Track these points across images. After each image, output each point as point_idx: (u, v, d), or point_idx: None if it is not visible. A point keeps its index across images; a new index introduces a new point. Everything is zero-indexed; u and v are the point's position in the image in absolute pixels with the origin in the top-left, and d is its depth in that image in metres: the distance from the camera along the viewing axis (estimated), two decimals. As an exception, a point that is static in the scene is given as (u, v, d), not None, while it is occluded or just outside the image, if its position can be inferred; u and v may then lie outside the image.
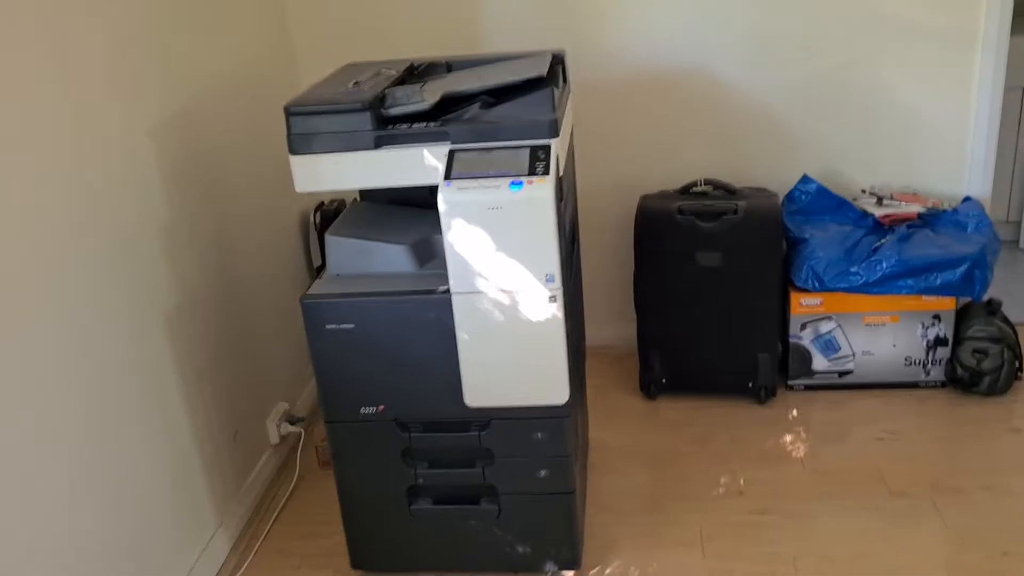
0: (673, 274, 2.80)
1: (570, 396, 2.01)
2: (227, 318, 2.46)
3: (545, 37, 2.81)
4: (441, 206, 1.84)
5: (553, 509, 2.13)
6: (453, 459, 2.11)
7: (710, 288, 2.77)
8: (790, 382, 2.92)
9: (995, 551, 2.18)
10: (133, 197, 2.04)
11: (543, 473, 2.09)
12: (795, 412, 2.83)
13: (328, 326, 1.98)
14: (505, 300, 1.91)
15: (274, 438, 2.70)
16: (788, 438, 2.70)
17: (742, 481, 2.52)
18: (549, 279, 1.88)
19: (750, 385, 2.85)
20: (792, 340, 2.85)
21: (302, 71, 3.02)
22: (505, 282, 1.89)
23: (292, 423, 2.75)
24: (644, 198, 2.84)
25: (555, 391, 2.00)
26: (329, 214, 3.01)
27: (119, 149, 1.99)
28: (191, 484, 2.24)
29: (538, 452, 2.06)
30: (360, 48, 2.60)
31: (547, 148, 1.88)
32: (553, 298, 1.90)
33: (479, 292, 1.91)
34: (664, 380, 2.92)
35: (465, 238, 1.86)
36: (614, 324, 3.18)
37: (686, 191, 2.84)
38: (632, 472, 2.62)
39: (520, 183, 1.83)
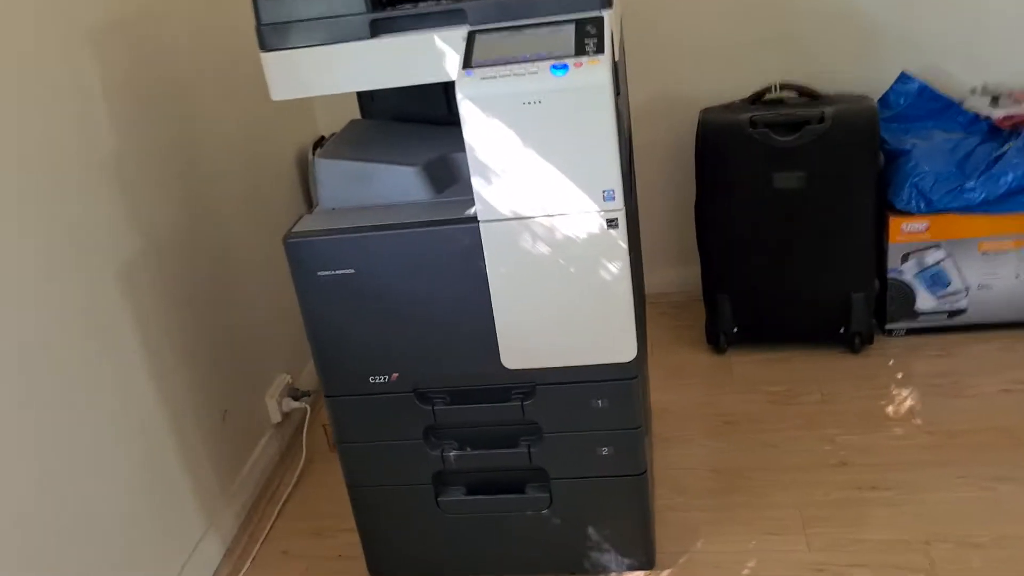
0: (744, 202, 2.31)
1: (638, 351, 1.55)
2: (207, 274, 2.02)
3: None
4: (460, 104, 1.38)
5: (619, 495, 1.68)
6: (490, 437, 1.66)
7: (790, 216, 2.29)
8: (888, 326, 2.44)
9: None
10: (68, 119, 1.59)
11: (605, 451, 1.63)
12: (897, 362, 2.35)
13: (321, 272, 1.53)
14: (549, 228, 1.44)
15: (275, 416, 2.27)
16: (892, 394, 2.22)
17: (842, 448, 2.05)
18: (608, 196, 1.42)
19: (841, 331, 2.37)
20: (891, 275, 2.36)
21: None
22: (549, 203, 1.43)
23: (296, 398, 2.32)
24: (706, 112, 2.35)
25: (619, 346, 1.54)
26: (330, 150, 2.55)
27: (44, 55, 1.54)
28: (168, 480, 1.81)
29: (599, 424, 1.61)
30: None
31: (598, 21, 1.41)
32: (614, 222, 1.43)
33: (515, 219, 1.44)
34: (736, 329, 2.45)
35: (493, 146, 1.40)
36: (672, 267, 2.71)
37: (757, 99, 2.35)
38: (704, 442, 2.16)
39: (565, 66, 1.35)
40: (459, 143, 1.42)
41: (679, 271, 2.73)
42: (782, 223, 2.30)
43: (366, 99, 1.87)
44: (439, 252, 1.50)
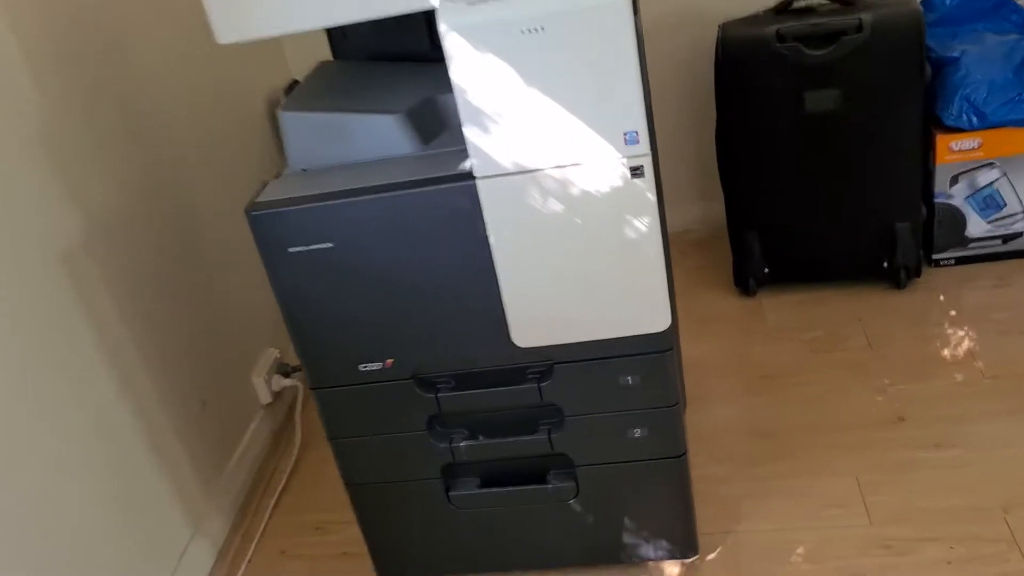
0: (772, 126, 2.06)
1: (671, 319, 1.32)
2: (170, 247, 1.78)
3: None
4: (444, 37, 1.12)
5: (655, 480, 1.47)
6: (504, 423, 1.44)
7: (825, 140, 2.03)
8: (935, 256, 2.20)
9: None
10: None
11: (638, 432, 1.42)
12: (949, 296, 2.12)
13: (292, 248, 1.30)
14: (561, 181, 1.20)
15: (264, 397, 2.05)
16: (947, 334, 2.00)
17: (896, 400, 1.84)
18: (630, 139, 1.17)
19: (884, 265, 2.14)
20: (938, 200, 2.12)
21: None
22: (559, 152, 1.18)
23: (286, 375, 2.10)
24: (726, 27, 2.07)
25: (649, 315, 1.31)
26: (304, 95, 2.28)
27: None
28: (142, 485, 1.60)
29: (629, 404, 1.39)
30: None
31: (608, -78, 1.14)
32: (638, 170, 1.19)
33: (518, 172, 1.20)
34: (766, 269, 2.22)
35: (487, 87, 1.14)
36: (691, 202, 2.47)
37: (784, 9, 2.06)
38: (741, 400, 1.94)
39: (571, -19, 1.09)
40: (447, 82, 1.17)
41: (699, 206, 2.48)
42: (816, 149, 2.05)
43: (337, 36, 1.61)
44: (431, 217, 1.26)
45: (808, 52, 1.96)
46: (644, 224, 1.22)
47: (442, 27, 1.11)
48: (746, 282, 2.25)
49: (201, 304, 1.86)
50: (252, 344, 2.05)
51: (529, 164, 1.19)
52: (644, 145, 1.17)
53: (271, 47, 2.35)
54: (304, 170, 1.39)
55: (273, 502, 1.90)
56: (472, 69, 1.13)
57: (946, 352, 1.94)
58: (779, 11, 2.06)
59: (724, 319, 2.22)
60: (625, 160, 1.18)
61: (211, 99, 2.01)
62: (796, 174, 2.09)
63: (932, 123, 2.05)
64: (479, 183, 1.21)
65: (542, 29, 1.10)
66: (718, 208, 2.28)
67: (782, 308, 2.20)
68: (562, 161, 1.19)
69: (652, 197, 1.20)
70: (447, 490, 1.51)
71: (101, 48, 1.63)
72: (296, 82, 2.35)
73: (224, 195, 1.98)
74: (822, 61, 1.95)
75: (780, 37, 1.97)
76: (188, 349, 1.79)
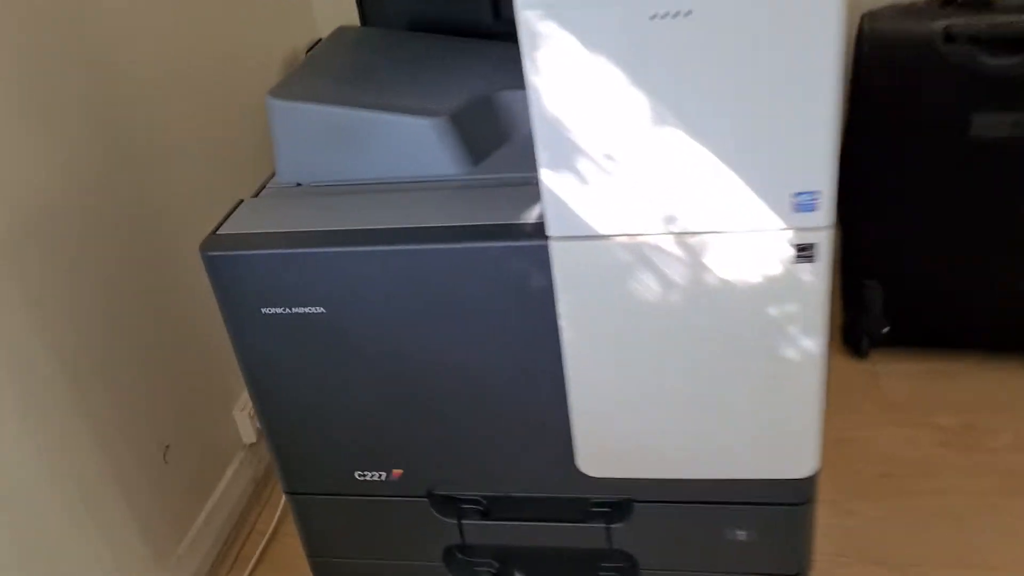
0: (922, 150, 1.59)
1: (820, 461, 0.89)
2: (127, 251, 1.37)
3: None
4: (522, 16, 0.68)
5: (755, 658, 1.05)
6: (551, 562, 1.03)
7: (990, 175, 1.56)
8: (1107, 332, 1.74)
9: None
10: None
11: (742, 600, 0.99)
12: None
13: (266, 309, 0.88)
14: (680, 258, 0.76)
15: (248, 436, 1.65)
16: (1125, 439, 1.55)
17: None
18: (804, 204, 0.73)
19: (1044, 340, 1.68)
20: (1125, 263, 1.65)
21: None
22: (683, 212, 0.74)
23: (278, 408, 1.70)
24: (873, 17, 1.60)
25: (788, 454, 0.87)
26: (330, 60, 1.84)
27: None
28: (73, 567, 1.21)
29: (735, 565, 0.97)
30: None
31: None
32: (807, 252, 0.75)
33: (614, 237, 0.76)
34: (887, 328, 1.76)
35: (582, 102, 0.71)
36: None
37: (952, 0, 1.59)
38: (854, 507, 1.50)
39: (745, -62, 0.65)
40: (513, 74, 0.74)
41: (803, 235, 2.03)
42: (976, 185, 1.58)
43: (367, -9, 1.19)
44: (475, 285, 0.83)
45: (985, 60, 1.48)
46: (805, 333, 0.78)
47: (524, 10, 0.67)
48: (858, 340, 1.79)
49: (170, 323, 1.45)
50: (230, 375, 1.64)
51: (633, 226, 0.76)
52: (824, 215, 0.73)
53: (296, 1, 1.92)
54: (298, 184, 0.97)
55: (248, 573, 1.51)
56: (561, 71, 0.69)
57: None
58: (946, 1, 1.59)
59: (828, 386, 1.77)
60: (791, 234, 0.74)
61: (212, 66, 1.58)
62: (944, 214, 1.63)
63: None
64: (554, 245, 0.78)
65: (689, 13, 0.66)
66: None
67: (903, 379, 1.75)
68: (687, 226, 0.75)
69: (824, 294, 0.77)
70: (464, 636, 1.10)
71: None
72: (320, 42, 1.92)
73: (217, 191, 1.55)
74: (1004, 74, 1.48)
75: (949, 36, 1.49)
76: (148, 379, 1.38)
